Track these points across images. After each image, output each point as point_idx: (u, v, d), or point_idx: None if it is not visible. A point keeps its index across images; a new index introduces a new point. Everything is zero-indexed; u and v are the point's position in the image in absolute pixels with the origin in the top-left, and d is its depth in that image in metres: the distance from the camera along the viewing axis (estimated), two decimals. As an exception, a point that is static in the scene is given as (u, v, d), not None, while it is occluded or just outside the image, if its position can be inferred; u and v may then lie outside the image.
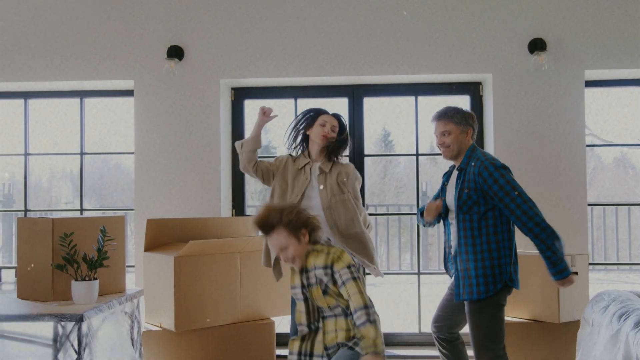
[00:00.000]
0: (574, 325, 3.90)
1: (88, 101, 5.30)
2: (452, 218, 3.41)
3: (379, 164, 13.02)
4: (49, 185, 11.84)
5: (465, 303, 3.30)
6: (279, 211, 2.76)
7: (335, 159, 3.75)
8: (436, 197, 3.59)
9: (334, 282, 2.75)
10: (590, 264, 5.17)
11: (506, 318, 4.19)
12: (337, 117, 3.79)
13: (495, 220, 3.26)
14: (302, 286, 2.86)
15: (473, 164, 3.31)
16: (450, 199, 3.41)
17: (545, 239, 3.12)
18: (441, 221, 3.57)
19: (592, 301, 3.42)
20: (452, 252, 3.42)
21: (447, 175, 3.60)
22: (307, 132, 3.77)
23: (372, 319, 2.62)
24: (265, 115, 3.76)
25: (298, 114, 3.93)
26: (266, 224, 2.76)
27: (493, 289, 3.20)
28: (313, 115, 3.76)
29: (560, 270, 3.14)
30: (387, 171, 13.44)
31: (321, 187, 3.62)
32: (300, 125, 3.79)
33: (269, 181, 3.76)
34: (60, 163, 11.51)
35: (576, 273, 4.09)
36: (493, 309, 3.24)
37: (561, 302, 4.00)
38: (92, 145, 5.86)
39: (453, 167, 3.56)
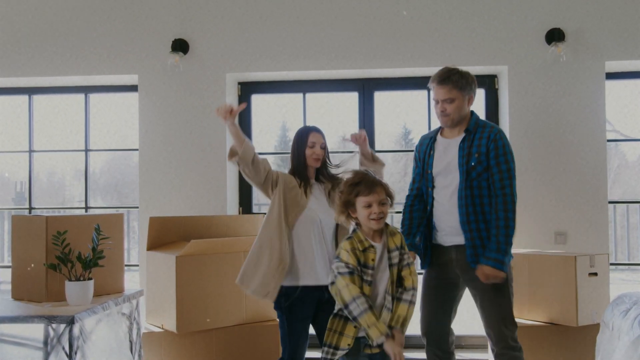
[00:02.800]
0: (593, 328, 3.76)
1: (93, 97, 5.22)
2: (448, 183, 3.24)
3: (400, 162, 12.84)
4: (70, 184, 11.89)
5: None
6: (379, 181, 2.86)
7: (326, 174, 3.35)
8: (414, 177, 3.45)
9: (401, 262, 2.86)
10: (613, 264, 4.98)
11: (522, 321, 4.08)
12: (320, 131, 3.33)
13: None
14: (371, 268, 2.79)
15: (488, 129, 3.20)
16: (446, 162, 3.26)
17: (511, 222, 3.09)
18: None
19: (613, 304, 3.28)
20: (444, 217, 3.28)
21: (429, 141, 3.40)
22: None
23: (414, 301, 2.84)
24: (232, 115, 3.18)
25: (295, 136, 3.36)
26: (374, 181, 2.82)
27: (510, 257, 3.15)
28: (305, 133, 3.29)
29: (498, 259, 3.05)
30: (408, 170, 13.28)
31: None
32: (298, 147, 3.29)
33: (268, 188, 3.24)
34: (82, 161, 11.54)
35: (596, 274, 3.94)
36: (511, 281, 3.21)
37: (579, 305, 3.86)
38: (104, 143, 5.80)
39: (434, 132, 3.42)
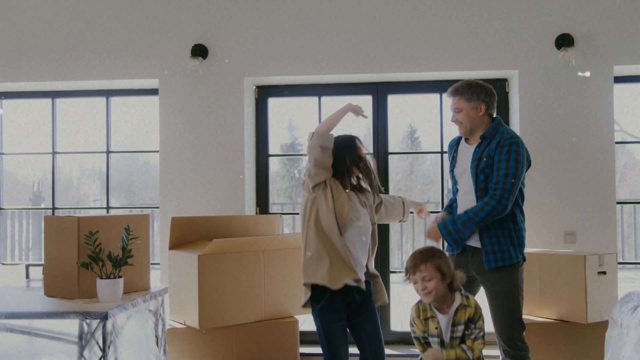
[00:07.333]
0: (602, 325, 3.83)
1: (114, 100, 5.35)
2: (466, 186, 3.38)
3: (405, 161, 12.91)
4: (78, 182, 12.01)
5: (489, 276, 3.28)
6: (440, 257, 2.93)
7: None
8: (454, 185, 3.56)
9: (466, 334, 2.95)
10: (621, 263, 5.07)
11: (533, 318, 4.16)
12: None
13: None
14: (436, 336, 2.94)
15: (500, 135, 3.29)
16: (464, 166, 3.40)
17: (481, 216, 3.18)
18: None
19: (621, 301, 3.36)
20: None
21: (455, 143, 3.57)
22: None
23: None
24: (356, 113, 3.35)
25: (342, 145, 3.29)
26: (420, 259, 2.91)
27: (516, 256, 3.27)
28: (353, 141, 3.34)
29: (449, 231, 3.25)
30: (414, 168, 13.34)
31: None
32: (355, 155, 3.31)
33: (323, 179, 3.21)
34: (90, 161, 11.68)
35: (605, 272, 4.02)
36: (519, 279, 3.31)
37: (589, 302, 3.93)
38: (120, 144, 5.93)
39: (460, 138, 3.55)
